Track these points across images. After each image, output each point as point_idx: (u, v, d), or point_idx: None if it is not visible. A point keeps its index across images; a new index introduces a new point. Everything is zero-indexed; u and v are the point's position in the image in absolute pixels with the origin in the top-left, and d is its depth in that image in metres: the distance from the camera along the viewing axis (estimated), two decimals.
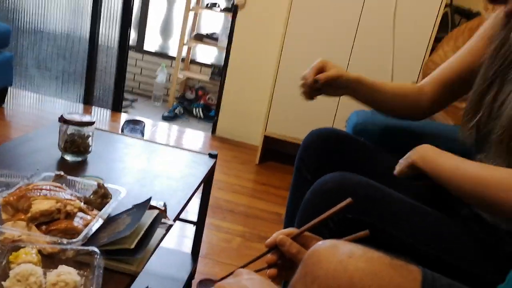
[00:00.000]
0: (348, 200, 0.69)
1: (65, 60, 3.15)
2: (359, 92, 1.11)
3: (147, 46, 3.96)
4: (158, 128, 3.07)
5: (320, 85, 1.07)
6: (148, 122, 2.96)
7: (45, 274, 0.72)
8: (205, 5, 3.65)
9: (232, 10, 2.83)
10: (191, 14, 3.64)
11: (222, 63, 3.76)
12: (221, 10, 3.54)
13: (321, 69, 1.08)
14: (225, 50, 2.97)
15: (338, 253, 0.51)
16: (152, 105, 3.70)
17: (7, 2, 3.11)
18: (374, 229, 0.73)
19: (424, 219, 0.85)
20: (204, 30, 3.79)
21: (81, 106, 3.12)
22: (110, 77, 3.12)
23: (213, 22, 3.85)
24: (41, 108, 3.04)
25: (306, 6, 2.41)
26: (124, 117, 3.10)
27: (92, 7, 3.01)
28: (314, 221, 0.71)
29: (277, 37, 2.61)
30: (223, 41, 3.51)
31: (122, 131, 2.59)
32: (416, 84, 1.15)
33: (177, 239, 1.79)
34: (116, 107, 3.12)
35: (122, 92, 3.17)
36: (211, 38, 3.59)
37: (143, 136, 2.62)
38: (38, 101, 3.13)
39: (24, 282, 0.69)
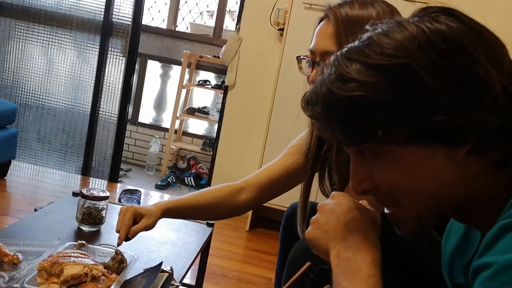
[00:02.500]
0: (308, 264, 0.82)
1: (66, 133, 3.35)
2: (177, 217, 1.27)
3: (141, 119, 4.21)
4: (152, 198, 3.22)
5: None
6: (141, 191, 3.12)
7: None
8: (197, 82, 3.95)
9: (223, 88, 3.11)
10: (184, 91, 3.93)
11: (212, 134, 4.01)
12: (212, 87, 3.84)
13: (131, 222, 1.13)
14: (214, 123, 3.21)
15: None
16: (145, 174, 3.87)
17: (13, 80, 3.35)
18: None
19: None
20: (195, 104, 4.07)
21: (79, 177, 3.29)
22: (107, 149, 3.31)
23: (204, 97, 4.14)
24: (41, 179, 3.20)
25: (291, 87, 2.69)
26: (120, 187, 3.25)
27: (95, 83, 3.26)
28: (287, 284, 0.86)
29: (264, 113, 2.86)
30: (214, 115, 3.78)
31: (120, 200, 2.74)
32: (237, 184, 1.24)
33: None
34: (113, 178, 3.29)
35: (119, 164, 3.35)
36: (202, 112, 3.86)
37: (139, 205, 2.76)
38: (38, 172, 3.29)
39: None
